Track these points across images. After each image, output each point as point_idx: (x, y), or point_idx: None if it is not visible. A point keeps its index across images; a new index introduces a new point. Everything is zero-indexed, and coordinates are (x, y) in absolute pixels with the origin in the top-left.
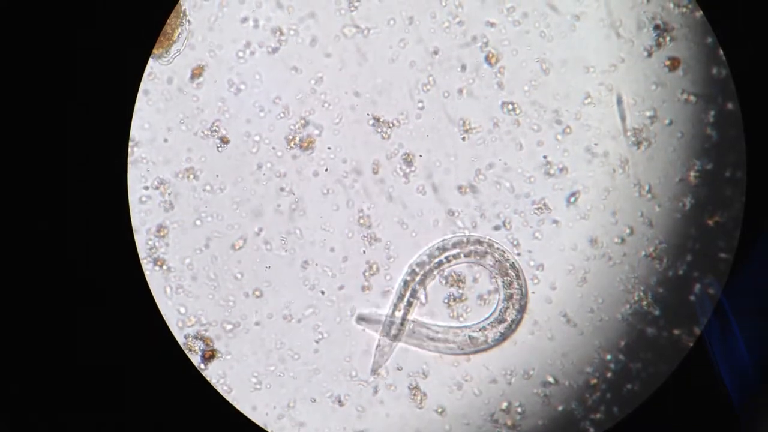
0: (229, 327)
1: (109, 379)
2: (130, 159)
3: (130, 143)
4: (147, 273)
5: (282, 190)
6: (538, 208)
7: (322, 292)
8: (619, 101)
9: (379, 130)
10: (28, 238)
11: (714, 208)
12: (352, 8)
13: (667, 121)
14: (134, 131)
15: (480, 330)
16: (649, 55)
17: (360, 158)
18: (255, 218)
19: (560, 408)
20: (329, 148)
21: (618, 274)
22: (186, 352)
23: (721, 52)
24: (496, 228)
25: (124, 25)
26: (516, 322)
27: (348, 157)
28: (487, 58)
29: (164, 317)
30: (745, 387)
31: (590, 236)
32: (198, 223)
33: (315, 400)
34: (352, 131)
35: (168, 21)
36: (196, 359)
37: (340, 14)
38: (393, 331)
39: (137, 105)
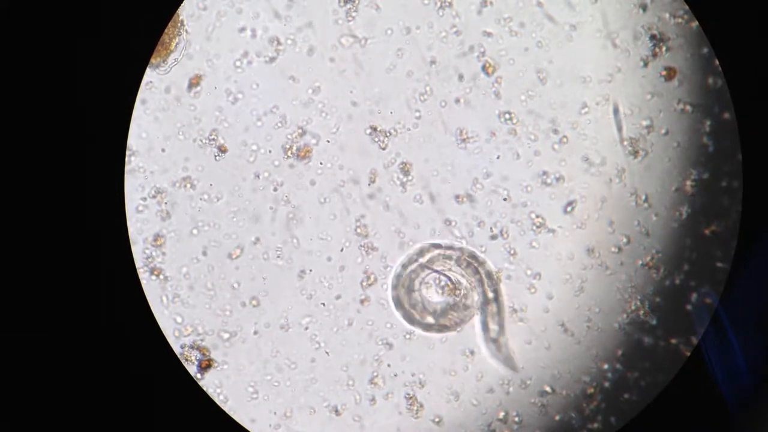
0: (226, 336)
1: (104, 388)
2: (127, 168)
3: (128, 152)
4: (143, 282)
5: (283, 199)
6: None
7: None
8: (616, 111)
9: (377, 139)
10: (23, 245)
11: (711, 218)
12: (350, 18)
13: (663, 131)
14: (131, 140)
15: None
16: (645, 65)
17: (357, 167)
18: (252, 227)
19: (558, 417)
20: (321, 164)
21: (615, 283)
22: (182, 361)
23: (717, 62)
24: (493, 237)
25: (121, 35)
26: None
27: (345, 166)
28: (484, 68)
29: (161, 327)
30: (742, 396)
31: (587, 245)
32: (195, 232)
33: (314, 411)
34: (349, 140)
35: (166, 30)
36: (192, 369)
37: (337, 24)
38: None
39: (134, 114)
